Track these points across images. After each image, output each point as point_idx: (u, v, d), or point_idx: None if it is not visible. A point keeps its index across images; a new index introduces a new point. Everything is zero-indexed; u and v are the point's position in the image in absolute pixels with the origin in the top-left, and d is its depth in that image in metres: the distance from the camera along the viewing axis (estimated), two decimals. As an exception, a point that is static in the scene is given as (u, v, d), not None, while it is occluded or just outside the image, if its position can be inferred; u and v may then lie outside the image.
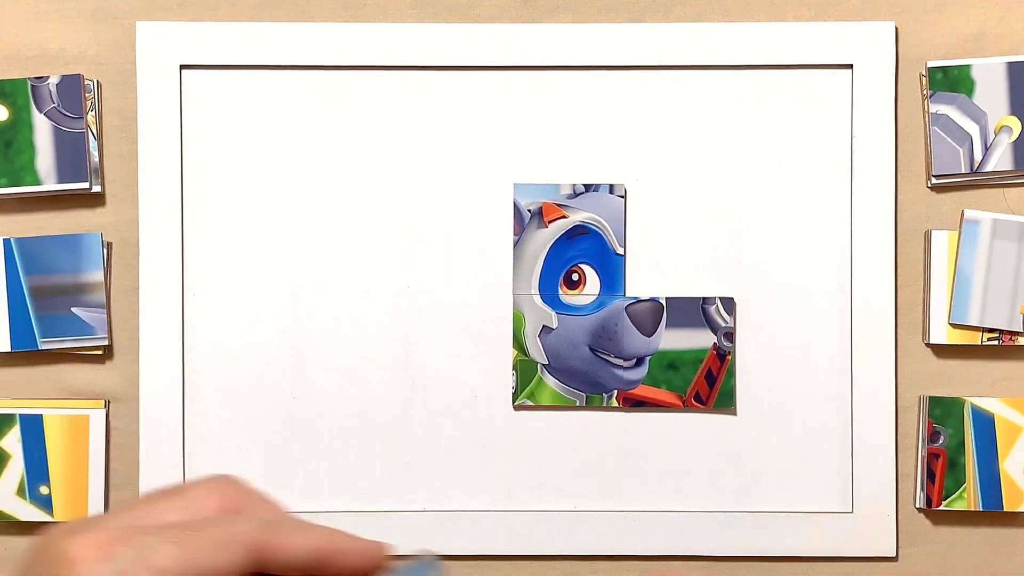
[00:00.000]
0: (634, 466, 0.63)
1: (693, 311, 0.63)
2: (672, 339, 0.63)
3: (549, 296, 0.62)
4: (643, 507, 0.63)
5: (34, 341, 0.63)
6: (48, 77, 0.63)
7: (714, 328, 0.63)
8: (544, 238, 0.62)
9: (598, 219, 0.62)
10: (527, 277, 0.62)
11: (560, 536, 0.63)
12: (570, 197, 0.62)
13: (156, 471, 0.63)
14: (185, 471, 0.63)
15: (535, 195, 0.62)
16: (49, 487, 0.63)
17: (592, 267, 0.62)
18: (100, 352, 0.64)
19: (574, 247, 0.62)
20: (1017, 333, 0.63)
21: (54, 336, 0.63)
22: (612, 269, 0.62)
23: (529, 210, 0.62)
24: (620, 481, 0.63)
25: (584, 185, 0.62)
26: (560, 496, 0.64)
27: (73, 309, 0.63)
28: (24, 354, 0.64)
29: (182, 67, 0.63)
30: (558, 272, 0.62)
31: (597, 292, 0.62)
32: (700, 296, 0.63)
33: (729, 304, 0.63)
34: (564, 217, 0.62)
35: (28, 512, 0.64)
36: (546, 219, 0.62)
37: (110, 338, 0.64)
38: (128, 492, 0.64)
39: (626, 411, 0.63)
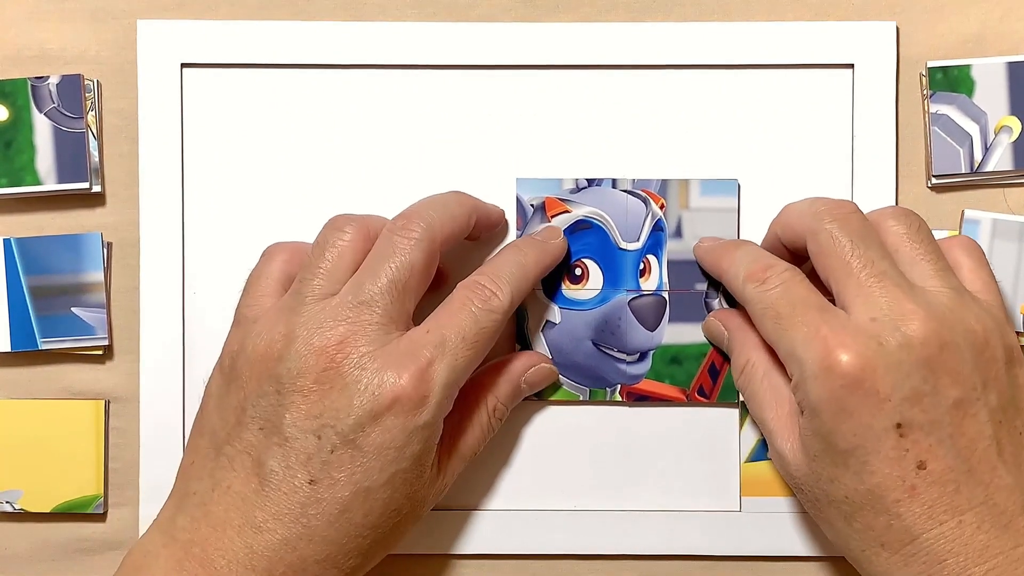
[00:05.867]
0: (637, 463, 0.63)
1: (696, 305, 0.62)
2: (675, 333, 0.62)
3: (552, 291, 0.62)
4: (643, 507, 0.63)
5: (34, 341, 0.63)
6: (48, 77, 0.63)
7: (716, 326, 0.63)
8: (546, 235, 0.62)
9: (601, 214, 0.62)
10: (529, 274, 0.62)
11: (560, 536, 0.63)
12: (573, 192, 0.62)
13: (156, 471, 0.62)
14: (185, 471, 0.63)
15: (538, 190, 0.62)
16: (48, 488, 0.63)
17: (595, 261, 0.62)
18: (100, 352, 0.64)
19: (577, 242, 0.62)
20: (1017, 333, 0.63)
21: (54, 336, 0.63)
22: (615, 264, 0.62)
23: (532, 205, 0.62)
24: (621, 480, 0.63)
25: (587, 180, 0.62)
26: (560, 495, 0.63)
27: (73, 309, 0.63)
28: (24, 354, 0.64)
29: (183, 66, 0.63)
30: (561, 267, 0.62)
31: (600, 286, 0.62)
32: (702, 290, 0.63)
33: (732, 299, 0.63)
34: (567, 212, 0.62)
35: (27, 513, 0.64)
36: (549, 214, 0.62)
37: (110, 338, 0.64)
38: (129, 492, 0.64)
39: (630, 406, 0.63)
